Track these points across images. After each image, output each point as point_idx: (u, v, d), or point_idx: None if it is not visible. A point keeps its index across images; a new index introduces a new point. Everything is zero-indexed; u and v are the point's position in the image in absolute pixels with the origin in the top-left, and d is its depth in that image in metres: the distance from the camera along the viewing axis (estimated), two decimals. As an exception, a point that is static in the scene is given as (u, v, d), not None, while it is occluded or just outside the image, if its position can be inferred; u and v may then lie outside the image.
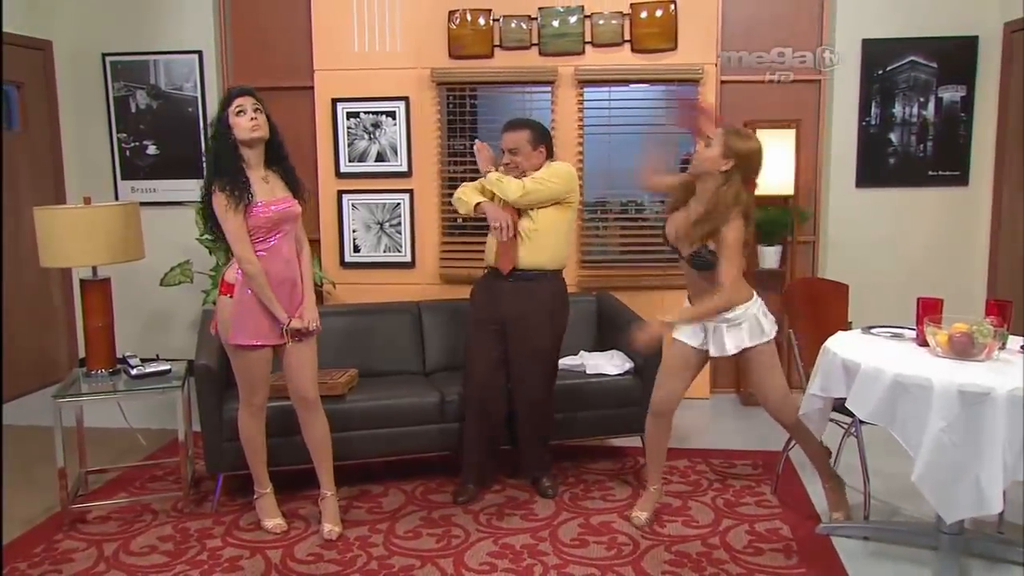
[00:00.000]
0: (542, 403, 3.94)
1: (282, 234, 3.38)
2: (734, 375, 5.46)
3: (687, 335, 3.50)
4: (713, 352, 3.48)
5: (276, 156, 3.42)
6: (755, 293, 3.49)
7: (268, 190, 3.36)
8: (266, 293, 3.32)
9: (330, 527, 3.52)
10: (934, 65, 5.27)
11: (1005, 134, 5.19)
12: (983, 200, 5.34)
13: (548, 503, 3.86)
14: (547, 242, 3.83)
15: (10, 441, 4.65)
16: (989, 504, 2.77)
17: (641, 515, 3.62)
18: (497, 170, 3.85)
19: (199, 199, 3.41)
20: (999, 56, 5.19)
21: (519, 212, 3.81)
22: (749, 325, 3.42)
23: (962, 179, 5.36)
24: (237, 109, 3.28)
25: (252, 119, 3.27)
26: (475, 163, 4.02)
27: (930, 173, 5.37)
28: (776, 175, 5.18)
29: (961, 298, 4.70)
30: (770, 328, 3.46)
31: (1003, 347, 3.15)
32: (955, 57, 5.25)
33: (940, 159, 5.36)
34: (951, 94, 5.30)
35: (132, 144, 5.80)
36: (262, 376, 3.47)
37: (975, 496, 2.79)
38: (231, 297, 3.35)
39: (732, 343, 3.42)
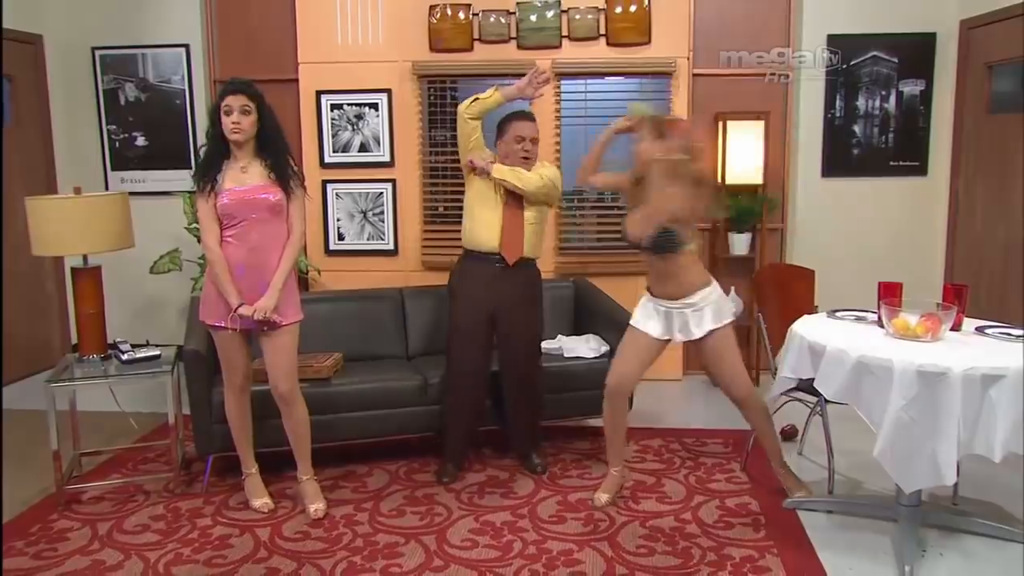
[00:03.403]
0: (534, 384, 3.95)
1: (248, 222, 3.31)
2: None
3: (651, 327, 3.50)
4: (680, 338, 3.49)
5: (266, 147, 3.36)
6: (713, 279, 3.52)
7: (242, 178, 3.32)
8: (220, 278, 3.30)
9: (315, 506, 3.52)
10: (895, 60, 5.29)
11: (961, 126, 5.23)
12: (941, 189, 5.38)
13: (527, 482, 3.87)
14: (539, 233, 3.88)
15: (6, 425, 4.60)
16: (944, 476, 2.83)
17: (602, 496, 3.62)
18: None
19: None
20: (955, 52, 5.22)
21: (523, 204, 3.78)
22: (712, 309, 3.45)
23: (921, 169, 5.40)
24: (225, 107, 3.27)
25: (234, 122, 3.26)
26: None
27: (891, 163, 5.40)
28: (746, 165, 5.22)
29: (920, 282, 4.75)
30: (729, 310, 3.51)
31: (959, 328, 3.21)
32: (915, 53, 5.28)
33: (901, 150, 5.39)
34: (911, 88, 5.32)
35: (121, 136, 5.73)
36: (234, 356, 3.45)
37: (932, 469, 2.84)
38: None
39: (698, 327, 3.45)
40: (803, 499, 3.58)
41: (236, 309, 3.30)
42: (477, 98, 3.74)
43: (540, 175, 3.77)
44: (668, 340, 3.53)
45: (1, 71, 4.92)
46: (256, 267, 3.34)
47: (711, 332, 3.45)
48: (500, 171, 3.71)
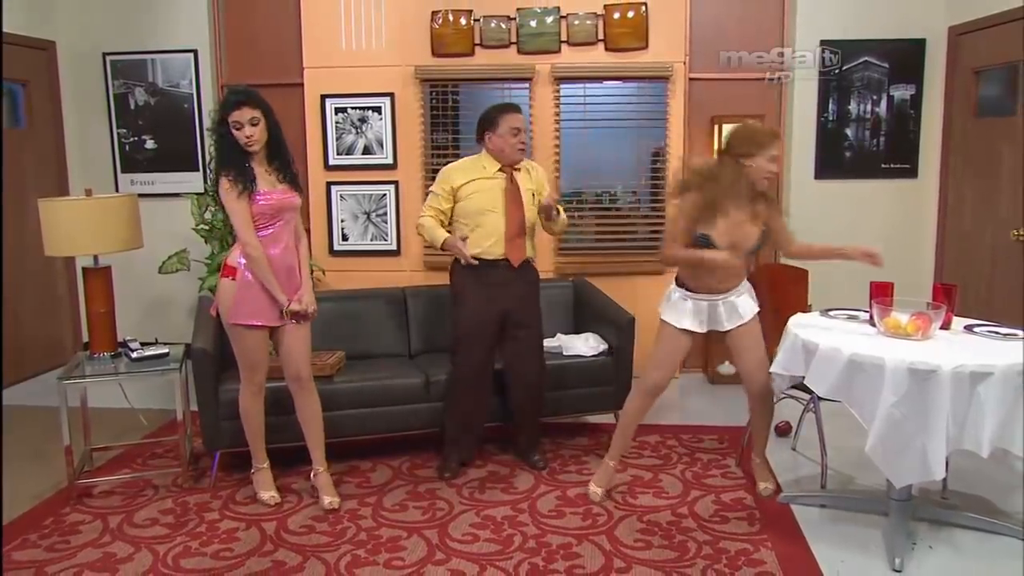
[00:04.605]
0: (541, 384, 3.97)
1: (282, 222, 3.38)
2: (702, 356, 5.48)
3: (688, 323, 3.43)
4: (727, 325, 3.44)
5: (275, 153, 3.40)
6: None
7: (271, 181, 3.37)
8: (267, 276, 3.31)
9: (329, 499, 3.53)
10: (886, 65, 5.29)
11: (950, 130, 5.23)
12: (931, 191, 5.38)
13: (527, 477, 3.86)
14: (533, 234, 3.88)
15: (19, 421, 4.63)
16: (933, 472, 2.83)
17: (597, 490, 3.61)
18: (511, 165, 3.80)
19: (208, 188, 3.41)
20: (944, 57, 5.22)
21: (523, 212, 3.77)
22: (745, 300, 3.48)
23: (912, 172, 5.40)
24: (234, 123, 3.26)
25: (248, 136, 3.27)
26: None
27: (883, 166, 5.40)
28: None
29: (911, 282, 4.72)
30: (755, 302, 3.53)
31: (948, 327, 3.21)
32: (905, 58, 5.28)
33: (892, 153, 5.39)
34: (901, 92, 5.32)
35: (131, 139, 5.72)
36: (261, 355, 3.45)
37: (922, 464, 2.84)
38: (233, 280, 3.35)
39: (746, 308, 3.46)
40: (797, 494, 3.59)
41: (288, 305, 3.35)
42: (423, 230, 3.84)
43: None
44: (697, 336, 3.50)
45: (0, 75, 4.90)
46: (286, 265, 3.40)
47: (749, 319, 3.46)
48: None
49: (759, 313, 3.53)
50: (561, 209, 3.89)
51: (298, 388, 3.50)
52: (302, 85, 5.42)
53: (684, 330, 3.45)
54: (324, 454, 3.61)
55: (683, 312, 3.44)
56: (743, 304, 3.47)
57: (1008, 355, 2.87)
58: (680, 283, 3.48)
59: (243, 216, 3.29)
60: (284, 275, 3.39)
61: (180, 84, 5.64)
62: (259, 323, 3.37)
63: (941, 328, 3.17)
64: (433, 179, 5.29)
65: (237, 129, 3.26)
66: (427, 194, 5.39)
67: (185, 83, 5.63)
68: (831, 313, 3.54)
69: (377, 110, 5.39)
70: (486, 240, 3.73)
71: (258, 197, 3.30)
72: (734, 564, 3.04)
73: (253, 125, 3.27)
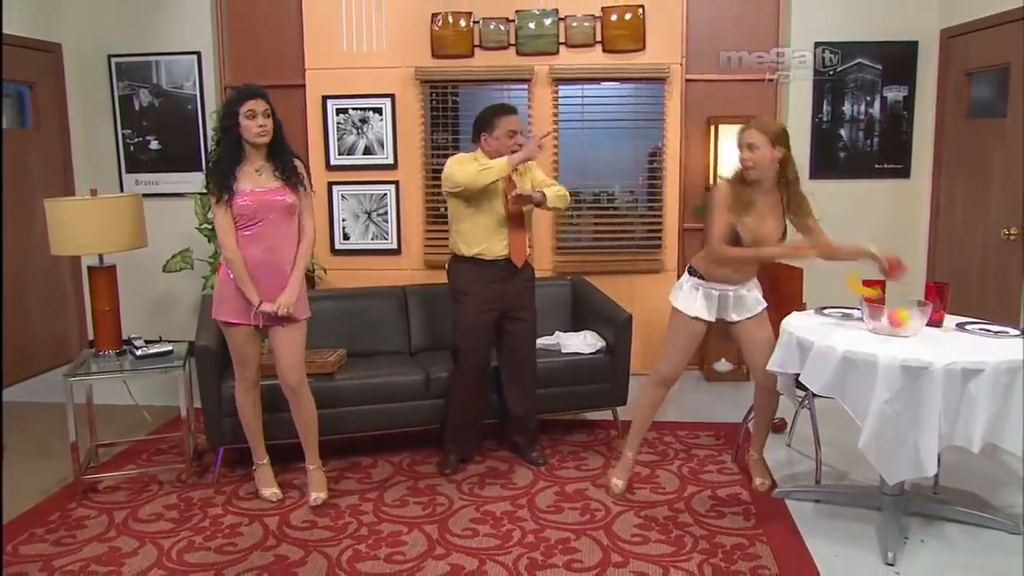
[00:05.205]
0: (535, 373, 3.99)
1: (263, 222, 3.32)
2: (699, 353, 5.47)
3: (702, 311, 3.46)
4: (735, 317, 3.49)
5: (277, 150, 3.38)
6: None
7: (258, 179, 3.33)
8: (240, 276, 3.31)
9: (315, 495, 3.52)
10: (879, 67, 5.29)
11: (942, 131, 5.24)
12: (923, 191, 5.38)
13: (526, 473, 3.87)
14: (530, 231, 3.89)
15: (26, 417, 4.63)
16: (925, 467, 2.83)
17: (618, 483, 3.61)
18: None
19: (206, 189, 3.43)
20: (936, 59, 5.23)
21: (523, 212, 3.77)
22: (757, 288, 3.54)
23: (904, 172, 5.40)
24: (248, 112, 3.25)
25: (261, 125, 3.26)
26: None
27: (876, 166, 5.40)
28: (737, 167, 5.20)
29: (904, 281, 4.74)
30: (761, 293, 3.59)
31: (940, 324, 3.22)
32: (898, 60, 5.28)
33: (885, 153, 5.39)
34: (894, 94, 5.32)
35: (136, 140, 5.72)
36: (247, 352, 3.45)
37: (914, 461, 2.84)
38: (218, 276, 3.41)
39: (754, 302, 3.51)
40: (792, 489, 3.60)
41: (259, 306, 3.31)
42: (490, 167, 3.59)
43: (559, 188, 3.83)
44: (709, 324, 3.53)
45: (0, 76, 4.88)
46: (272, 265, 3.36)
47: (757, 313, 3.51)
48: (552, 201, 3.75)
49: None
50: (546, 191, 3.74)
51: (290, 394, 3.49)
52: (304, 86, 5.41)
53: (695, 318, 3.47)
54: (316, 454, 3.60)
55: (694, 300, 3.48)
56: (751, 298, 3.52)
57: (999, 352, 2.87)
58: (694, 272, 3.51)
59: (221, 221, 3.32)
60: (266, 275, 3.35)
61: (184, 86, 5.63)
62: (235, 321, 3.37)
63: (934, 326, 3.18)
64: (432, 179, 5.34)
65: (249, 118, 3.25)
66: (427, 195, 5.43)
67: (189, 84, 5.63)
68: (825, 311, 3.54)
69: (378, 111, 5.39)
70: (488, 240, 3.72)
71: (238, 196, 3.29)
72: (730, 558, 3.05)
73: (266, 117, 3.28)
